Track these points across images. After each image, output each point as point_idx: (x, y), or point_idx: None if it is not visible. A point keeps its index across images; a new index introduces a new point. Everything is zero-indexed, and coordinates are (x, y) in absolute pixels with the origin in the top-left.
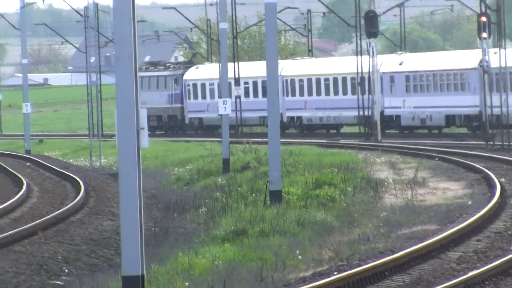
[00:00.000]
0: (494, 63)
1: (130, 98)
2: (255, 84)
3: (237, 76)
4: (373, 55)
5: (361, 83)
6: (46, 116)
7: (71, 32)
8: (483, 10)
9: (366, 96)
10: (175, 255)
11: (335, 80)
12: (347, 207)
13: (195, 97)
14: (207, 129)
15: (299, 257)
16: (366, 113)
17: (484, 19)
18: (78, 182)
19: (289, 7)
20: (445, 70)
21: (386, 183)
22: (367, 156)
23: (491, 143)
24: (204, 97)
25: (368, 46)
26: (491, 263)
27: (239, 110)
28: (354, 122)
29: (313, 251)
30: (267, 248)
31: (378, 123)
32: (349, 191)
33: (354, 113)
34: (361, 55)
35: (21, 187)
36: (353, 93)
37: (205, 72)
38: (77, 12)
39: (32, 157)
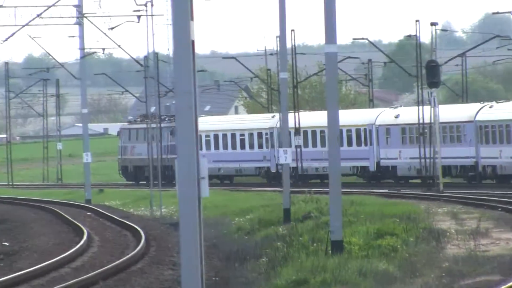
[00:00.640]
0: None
1: (190, 148)
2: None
3: (297, 125)
4: (434, 105)
5: (422, 134)
6: (106, 166)
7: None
8: None
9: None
10: None
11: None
12: (409, 257)
13: None
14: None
15: None
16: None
17: None
18: (139, 232)
19: (350, 57)
20: (441, 122)
21: (448, 233)
22: (429, 206)
23: None
24: (200, 148)
25: (429, 96)
26: None
27: (299, 159)
28: (349, 173)
29: None
30: None
31: (440, 173)
32: (411, 241)
33: (351, 164)
34: (422, 105)
35: (82, 237)
36: (349, 145)
37: (200, 124)
38: (137, 62)
39: (92, 207)
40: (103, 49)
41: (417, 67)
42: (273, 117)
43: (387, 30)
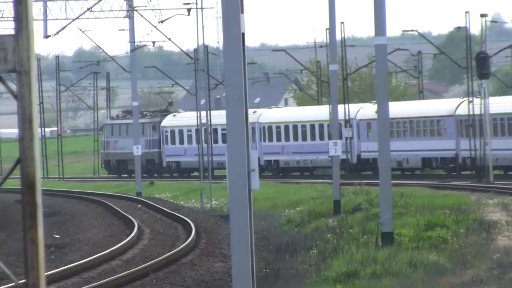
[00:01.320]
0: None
1: (241, 140)
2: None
3: (347, 117)
4: (484, 96)
5: (472, 126)
6: None
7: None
8: None
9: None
10: None
11: (312, 126)
12: (460, 249)
13: (173, 142)
14: (184, 171)
15: None
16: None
17: None
18: (189, 224)
19: (399, 49)
20: (421, 117)
21: (499, 225)
22: (479, 197)
23: None
24: (182, 142)
25: (480, 87)
26: None
27: (349, 151)
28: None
29: None
30: None
31: (491, 165)
32: (461, 232)
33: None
34: (472, 96)
35: (133, 229)
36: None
37: (182, 119)
38: (187, 54)
39: (143, 199)
40: (153, 42)
41: (467, 59)
42: (254, 112)
43: (436, 22)
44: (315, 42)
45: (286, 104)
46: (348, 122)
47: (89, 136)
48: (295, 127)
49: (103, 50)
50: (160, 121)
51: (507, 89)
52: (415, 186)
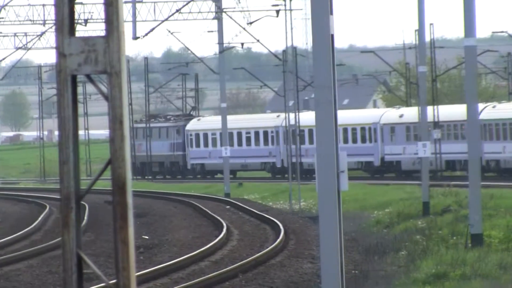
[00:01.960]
0: None
1: (330, 142)
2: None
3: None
4: None
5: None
6: None
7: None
8: None
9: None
10: None
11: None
12: None
13: (197, 145)
14: (208, 173)
15: None
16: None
17: None
18: (278, 225)
19: (489, 50)
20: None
21: None
22: None
23: None
24: (206, 145)
25: None
26: None
27: (439, 153)
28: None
29: None
30: None
31: None
32: None
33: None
34: None
35: (221, 230)
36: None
37: (207, 123)
38: (276, 56)
39: (231, 200)
40: (242, 44)
41: None
42: (278, 116)
43: None
44: (404, 43)
45: (374, 106)
46: (437, 124)
47: None
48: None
49: (191, 51)
50: (185, 125)
51: None
52: (505, 188)
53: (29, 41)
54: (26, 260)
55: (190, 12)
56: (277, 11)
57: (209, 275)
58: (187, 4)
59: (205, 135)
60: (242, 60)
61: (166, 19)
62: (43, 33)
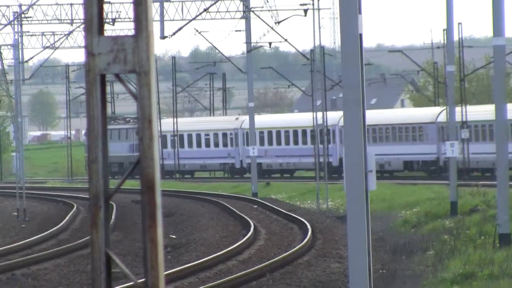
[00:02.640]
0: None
1: (358, 141)
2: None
3: (464, 119)
4: None
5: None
6: None
7: (296, 76)
8: None
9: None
10: None
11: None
12: None
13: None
14: (167, 174)
15: None
16: None
17: None
18: (305, 225)
19: None
20: (404, 124)
21: None
22: None
23: None
24: (165, 146)
25: None
26: None
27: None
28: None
29: None
30: None
31: None
32: None
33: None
34: None
35: (249, 230)
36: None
37: (170, 124)
38: (303, 55)
39: (259, 200)
40: (270, 43)
41: None
42: (236, 119)
43: None
44: (432, 43)
45: (402, 105)
46: (465, 123)
47: None
48: (278, 133)
49: (219, 50)
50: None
51: None
52: None
53: (57, 40)
54: (54, 259)
55: (218, 11)
56: (305, 10)
57: (237, 275)
58: (215, 3)
59: (164, 137)
60: (270, 60)
61: (194, 19)
62: (70, 32)
